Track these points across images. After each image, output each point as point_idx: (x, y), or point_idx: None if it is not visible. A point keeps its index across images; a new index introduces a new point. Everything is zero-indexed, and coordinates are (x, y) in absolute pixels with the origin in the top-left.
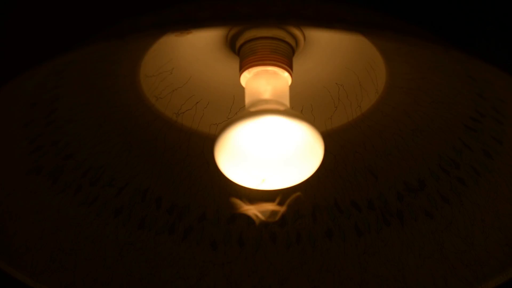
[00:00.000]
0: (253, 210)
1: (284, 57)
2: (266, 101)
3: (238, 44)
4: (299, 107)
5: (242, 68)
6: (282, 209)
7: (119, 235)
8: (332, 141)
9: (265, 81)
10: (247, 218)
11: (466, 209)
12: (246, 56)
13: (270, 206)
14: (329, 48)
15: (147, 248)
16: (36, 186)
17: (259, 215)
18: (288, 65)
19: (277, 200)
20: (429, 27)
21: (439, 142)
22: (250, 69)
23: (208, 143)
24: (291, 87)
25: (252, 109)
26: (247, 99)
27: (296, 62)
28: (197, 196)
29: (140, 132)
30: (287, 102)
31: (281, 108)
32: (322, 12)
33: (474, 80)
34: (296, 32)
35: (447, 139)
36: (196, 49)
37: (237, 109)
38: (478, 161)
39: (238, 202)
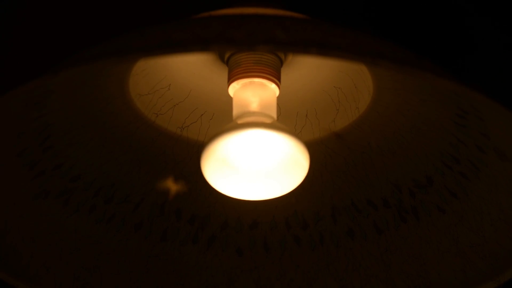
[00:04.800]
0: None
1: (271, 68)
2: (252, 113)
3: (226, 56)
4: (303, 112)
5: (230, 79)
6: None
7: (142, 248)
8: (339, 143)
9: (252, 92)
10: (270, 222)
11: (473, 203)
12: (233, 68)
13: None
14: None
15: (173, 259)
16: (46, 209)
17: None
18: (275, 76)
19: None
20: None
21: (437, 138)
22: (238, 81)
23: None
24: (292, 93)
25: (239, 121)
26: (235, 110)
27: (292, 68)
28: (216, 205)
29: (146, 149)
30: (274, 113)
31: (267, 120)
32: (253, 33)
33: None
34: None
35: (443, 136)
36: (190, 64)
37: None
38: (474, 156)
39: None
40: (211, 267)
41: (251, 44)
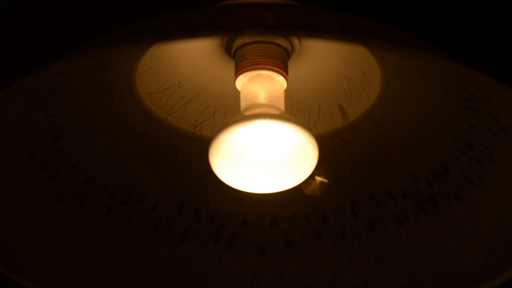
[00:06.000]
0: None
1: (278, 60)
2: (260, 105)
3: (233, 50)
4: (316, 104)
5: (237, 73)
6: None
7: (162, 249)
8: (353, 135)
9: (259, 85)
10: (289, 218)
11: (490, 188)
12: (240, 61)
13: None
14: (327, 45)
15: (194, 259)
16: (62, 212)
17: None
18: (282, 69)
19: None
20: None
21: (449, 124)
22: (245, 74)
23: None
24: (304, 86)
25: (246, 113)
26: (242, 103)
27: (301, 60)
28: (235, 203)
29: (159, 148)
30: (281, 105)
31: (275, 112)
32: (243, 19)
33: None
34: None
35: (454, 121)
36: (198, 60)
37: None
38: (486, 140)
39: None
40: (233, 266)
41: (239, 29)
